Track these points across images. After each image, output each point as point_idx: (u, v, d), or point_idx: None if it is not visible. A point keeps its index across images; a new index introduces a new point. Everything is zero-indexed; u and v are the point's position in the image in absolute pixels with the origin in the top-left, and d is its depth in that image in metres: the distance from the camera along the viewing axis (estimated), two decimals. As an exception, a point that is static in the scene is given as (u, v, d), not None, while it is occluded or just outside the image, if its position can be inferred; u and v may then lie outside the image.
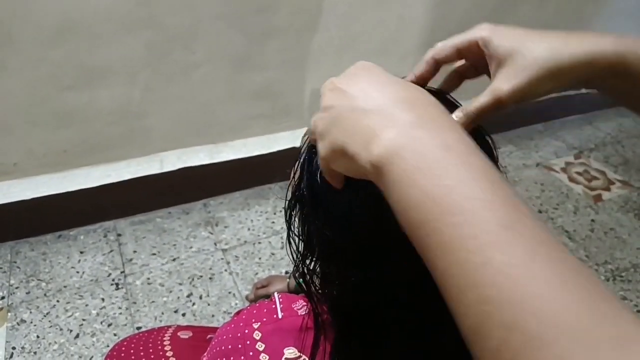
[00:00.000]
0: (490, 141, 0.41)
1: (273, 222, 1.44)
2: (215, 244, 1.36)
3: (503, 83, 0.34)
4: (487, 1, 1.54)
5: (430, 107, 0.29)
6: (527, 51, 0.33)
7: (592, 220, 1.56)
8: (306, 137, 0.49)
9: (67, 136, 1.22)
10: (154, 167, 1.35)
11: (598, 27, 1.87)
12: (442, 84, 0.42)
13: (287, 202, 0.46)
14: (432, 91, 0.41)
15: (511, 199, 0.23)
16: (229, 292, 1.22)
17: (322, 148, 0.32)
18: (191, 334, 0.78)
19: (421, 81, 0.39)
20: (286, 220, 0.45)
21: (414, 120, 0.27)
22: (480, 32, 0.36)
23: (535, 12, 1.66)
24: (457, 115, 0.35)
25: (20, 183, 1.24)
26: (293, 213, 0.46)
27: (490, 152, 0.40)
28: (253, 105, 1.41)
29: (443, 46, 0.37)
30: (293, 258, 0.45)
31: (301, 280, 0.98)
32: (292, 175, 0.49)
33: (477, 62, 0.38)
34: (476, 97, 0.35)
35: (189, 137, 1.40)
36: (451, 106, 0.39)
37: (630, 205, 1.64)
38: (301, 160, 0.47)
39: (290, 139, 1.49)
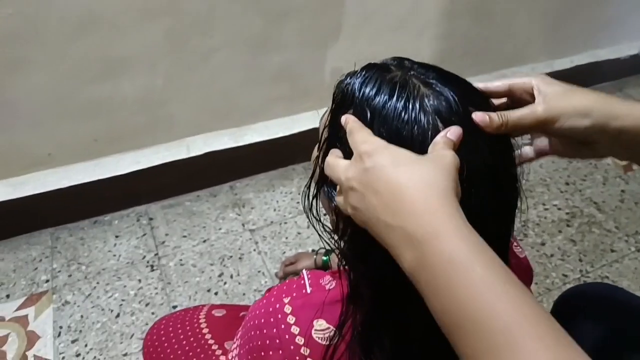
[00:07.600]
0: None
1: (298, 202, 1.47)
2: (243, 225, 1.40)
3: (540, 105, 0.44)
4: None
5: (440, 218, 0.34)
6: (564, 93, 0.45)
7: (622, 191, 1.53)
8: (324, 117, 0.50)
9: (96, 126, 1.26)
10: (182, 152, 1.39)
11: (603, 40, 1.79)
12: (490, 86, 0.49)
13: (307, 187, 0.49)
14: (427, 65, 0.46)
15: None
16: (259, 271, 1.27)
17: (355, 218, 0.40)
18: (225, 312, 0.82)
19: (487, 93, 0.48)
20: (305, 207, 0.48)
21: (423, 241, 0.33)
22: (535, 79, 0.47)
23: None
24: (493, 118, 0.42)
25: (56, 172, 1.30)
26: (314, 196, 0.48)
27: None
28: (273, 88, 1.42)
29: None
30: (324, 237, 0.48)
31: (327, 257, 0.99)
32: (313, 158, 0.51)
33: (517, 99, 0.48)
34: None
35: (213, 122, 1.42)
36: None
37: (662, 173, 1.60)
38: (322, 143, 0.48)
39: (311, 119, 1.50)
